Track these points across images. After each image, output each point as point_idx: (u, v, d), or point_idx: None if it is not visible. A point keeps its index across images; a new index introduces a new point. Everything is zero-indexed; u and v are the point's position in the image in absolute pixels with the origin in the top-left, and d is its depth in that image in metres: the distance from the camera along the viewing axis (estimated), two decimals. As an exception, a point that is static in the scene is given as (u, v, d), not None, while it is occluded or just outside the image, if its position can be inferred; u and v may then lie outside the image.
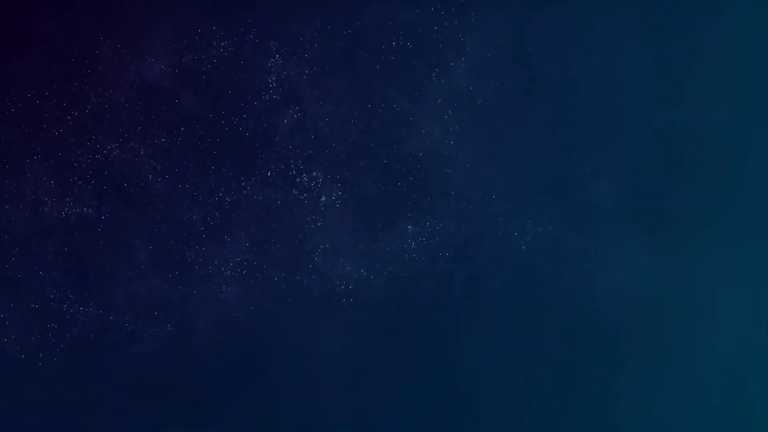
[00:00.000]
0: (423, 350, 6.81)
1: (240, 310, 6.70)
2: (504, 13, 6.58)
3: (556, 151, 6.72)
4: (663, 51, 6.71)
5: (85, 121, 6.41)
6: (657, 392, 6.84)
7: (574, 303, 6.80)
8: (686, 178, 6.81)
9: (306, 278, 6.69)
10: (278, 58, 6.51)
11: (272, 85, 6.53)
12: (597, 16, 6.65)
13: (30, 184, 6.41)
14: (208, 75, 6.47)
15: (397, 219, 6.69)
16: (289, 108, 6.57)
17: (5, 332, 6.45)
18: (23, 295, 6.47)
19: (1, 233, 6.42)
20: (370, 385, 6.81)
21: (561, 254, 6.75)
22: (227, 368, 6.74)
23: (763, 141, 6.76)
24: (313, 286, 6.70)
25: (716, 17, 6.71)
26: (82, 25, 6.36)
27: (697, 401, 6.83)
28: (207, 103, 6.51)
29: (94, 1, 6.35)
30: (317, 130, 6.60)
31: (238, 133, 6.55)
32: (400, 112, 6.61)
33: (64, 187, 6.44)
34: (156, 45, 6.42)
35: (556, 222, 6.73)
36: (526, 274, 6.77)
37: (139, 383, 6.65)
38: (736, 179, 6.82)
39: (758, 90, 6.74)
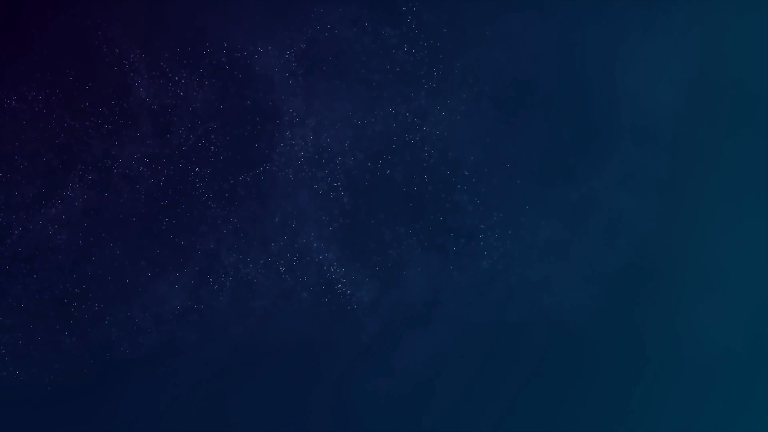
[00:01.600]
0: (422, 353, 6.84)
1: (238, 311, 6.72)
2: (504, 16, 6.59)
3: (553, 156, 6.74)
4: (664, 51, 6.72)
5: (83, 121, 6.42)
6: (658, 394, 6.88)
7: (571, 308, 6.83)
8: (687, 180, 6.84)
9: (306, 280, 6.71)
10: (279, 59, 6.51)
11: (273, 86, 6.55)
12: (597, 17, 6.66)
13: (29, 184, 6.42)
14: (208, 75, 6.48)
15: (394, 224, 6.71)
16: (290, 109, 6.58)
17: (5, 336, 6.48)
18: (23, 295, 6.49)
19: (3, 236, 6.43)
20: (368, 388, 6.85)
21: (558, 259, 6.78)
22: (226, 369, 6.77)
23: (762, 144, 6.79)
24: (313, 289, 6.72)
25: (713, 17, 6.73)
26: (79, 25, 6.36)
27: (695, 404, 6.88)
28: (208, 103, 6.51)
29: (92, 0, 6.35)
30: (318, 132, 6.61)
31: (237, 135, 6.55)
32: (401, 114, 6.61)
33: (63, 186, 6.45)
34: (156, 45, 6.42)
35: (555, 228, 6.76)
36: (526, 279, 6.80)
37: (140, 384, 6.68)
38: (735, 181, 6.85)
39: (758, 90, 6.76)
